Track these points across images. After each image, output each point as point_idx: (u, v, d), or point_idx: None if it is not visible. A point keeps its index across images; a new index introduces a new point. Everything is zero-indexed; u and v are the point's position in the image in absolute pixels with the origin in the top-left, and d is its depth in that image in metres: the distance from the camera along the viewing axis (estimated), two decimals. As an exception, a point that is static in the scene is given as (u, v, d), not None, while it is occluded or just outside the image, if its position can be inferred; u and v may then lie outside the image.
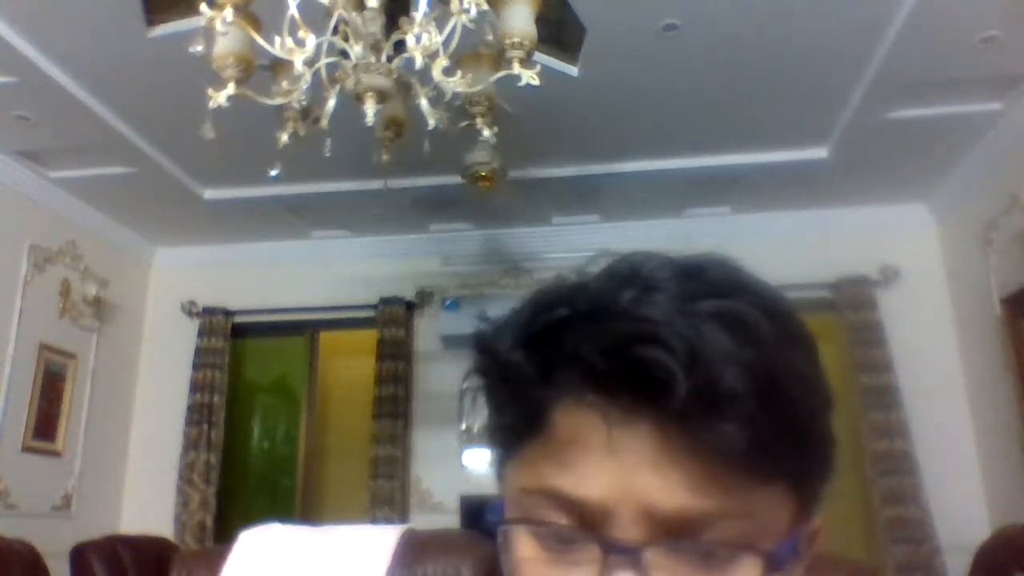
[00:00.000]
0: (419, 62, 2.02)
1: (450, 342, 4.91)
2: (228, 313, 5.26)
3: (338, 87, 2.17)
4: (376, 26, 2.05)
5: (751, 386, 0.39)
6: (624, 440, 0.41)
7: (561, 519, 0.42)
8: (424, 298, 5.21)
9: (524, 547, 0.44)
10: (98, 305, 4.77)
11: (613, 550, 0.40)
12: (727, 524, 0.41)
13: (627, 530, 0.41)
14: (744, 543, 0.41)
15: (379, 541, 2.22)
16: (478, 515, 4.49)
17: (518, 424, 0.45)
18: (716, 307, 0.41)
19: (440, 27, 2.02)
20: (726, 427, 0.39)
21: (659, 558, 0.40)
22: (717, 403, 0.39)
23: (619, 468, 0.41)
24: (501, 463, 0.49)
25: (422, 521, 4.39)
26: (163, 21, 3.09)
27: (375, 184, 4.26)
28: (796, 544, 0.44)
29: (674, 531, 0.40)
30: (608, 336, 0.40)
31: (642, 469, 0.40)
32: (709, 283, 0.43)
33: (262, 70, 2.15)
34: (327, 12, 2.09)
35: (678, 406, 0.39)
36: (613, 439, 0.41)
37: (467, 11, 1.99)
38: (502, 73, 2.10)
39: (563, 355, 0.42)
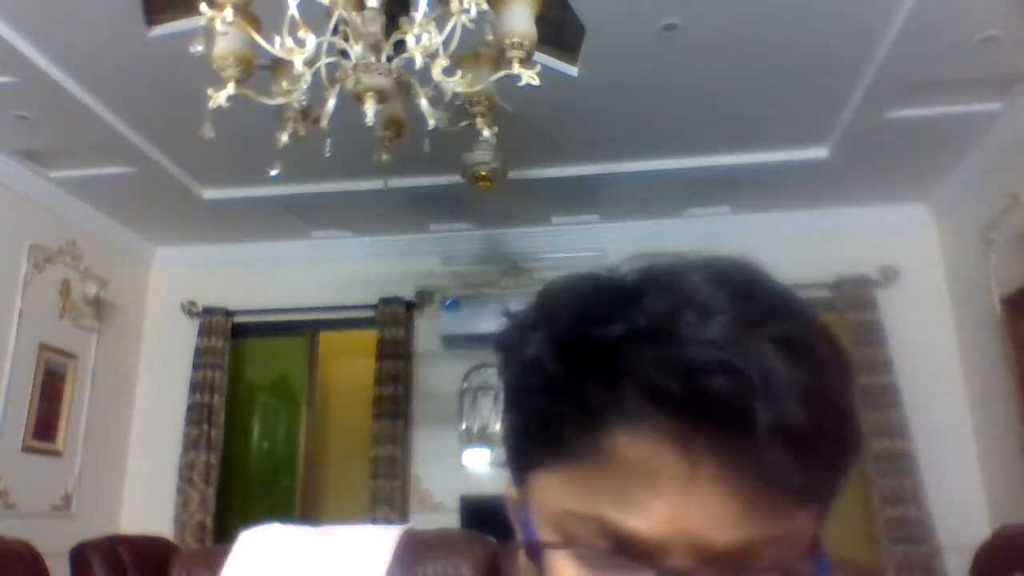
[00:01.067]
0: (419, 62, 2.02)
1: (450, 342, 4.92)
2: (228, 313, 5.26)
3: (338, 87, 2.17)
4: (376, 26, 2.05)
5: (816, 419, 0.39)
6: (696, 470, 0.40)
7: (609, 544, 0.41)
8: (424, 298, 5.21)
9: (568, 571, 0.43)
10: (98, 305, 4.77)
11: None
12: (773, 549, 0.41)
13: (680, 559, 0.40)
14: (786, 567, 0.41)
15: (379, 541, 2.22)
16: (480, 515, 4.49)
17: (562, 439, 0.43)
18: (778, 332, 0.40)
19: (440, 27, 2.02)
20: (789, 458, 0.39)
21: None
22: (786, 434, 0.39)
23: (685, 501, 0.40)
24: (523, 468, 0.48)
25: (422, 521, 4.39)
26: (163, 21, 3.09)
27: (375, 184, 4.26)
28: (827, 560, 0.45)
29: (724, 559, 0.40)
30: (680, 362, 0.39)
31: (705, 501, 0.40)
32: (765, 304, 0.42)
33: (262, 70, 2.15)
34: (327, 12, 2.09)
35: (753, 438, 0.38)
36: (691, 469, 0.40)
37: (467, 11, 1.99)
38: (502, 73, 2.10)
39: (627, 376, 0.41)
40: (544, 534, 0.44)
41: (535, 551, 0.44)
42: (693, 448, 0.39)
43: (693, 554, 0.40)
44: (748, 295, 0.42)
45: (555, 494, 0.44)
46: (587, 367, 0.42)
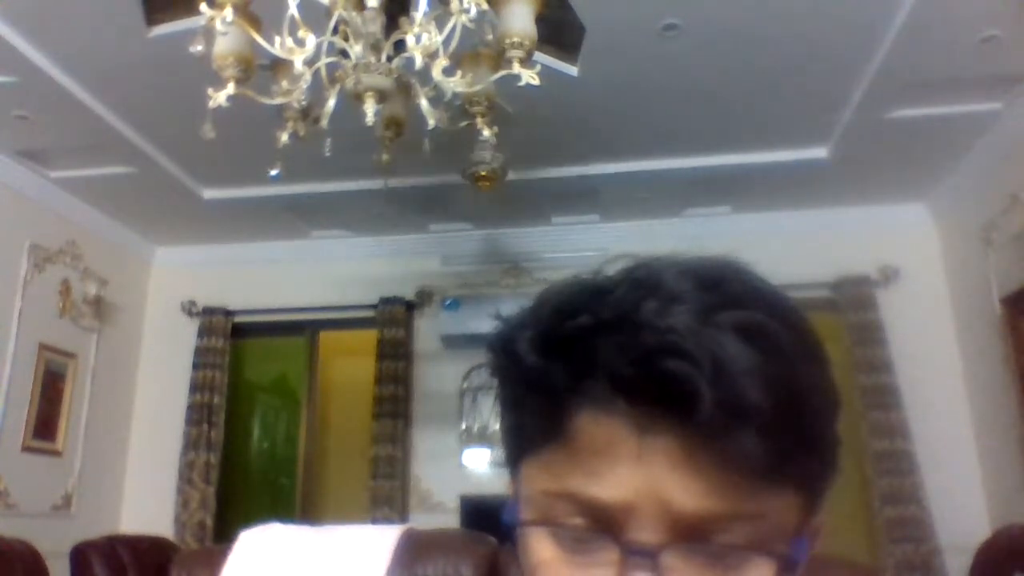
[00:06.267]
0: (419, 62, 2.02)
1: (450, 342, 4.91)
2: (228, 313, 5.26)
3: (338, 87, 2.17)
4: (376, 26, 2.05)
5: (772, 398, 0.41)
6: (651, 447, 0.42)
7: (580, 521, 0.43)
8: (424, 298, 5.21)
9: (543, 549, 0.45)
10: (98, 305, 4.77)
11: (632, 552, 0.41)
12: (741, 526, 0.42)
13: (645, 533, 0.42)
14: (757, 545, 0.42)
15: (379, 541, 2.22)
16: (480, 515, 4.49)
17: (538, 427, 0.46)
18: (737, 319, 0.42)
19: (440, 27, 2.02)
20: (746, 438, 0.40)
21: (676, 560, 0.41)
22: (739, 415, 0.40)
23: (644, 474, 0.42)
24: (514, 462, 0.50)
25: (422, 521, 4.38)
26: (163, 21, 3.08)
27: (375, 184, 4.26)
28: (807, 544, 0.46)
29: (690, 533, 0.41)
30: (635, 348, 0.41)
31: (665, 475, 0.41)
32: (729, 294, 0.43)
33: (262, 70, 2.15)
34: (327, 12, 2.09)
35: (702, 418, 0.40)
36: (642, 446, 0.42)
37: (467, 11, 1.99)
38: (502, 73, 2.10)
39: (589, 364, 0.43)
40: (524, 516, 0.46)
41: (511, 530, 0.47)
42: (647, 428, 0.41)
43: (658, 528, 0.42)
44: (713, 286, 0.44)
45: (533, 479, 0.47)
46: (556, 357, 0.44)
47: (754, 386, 0.40)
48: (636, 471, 0.42)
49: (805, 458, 0.44)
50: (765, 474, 0.42)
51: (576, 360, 0.44)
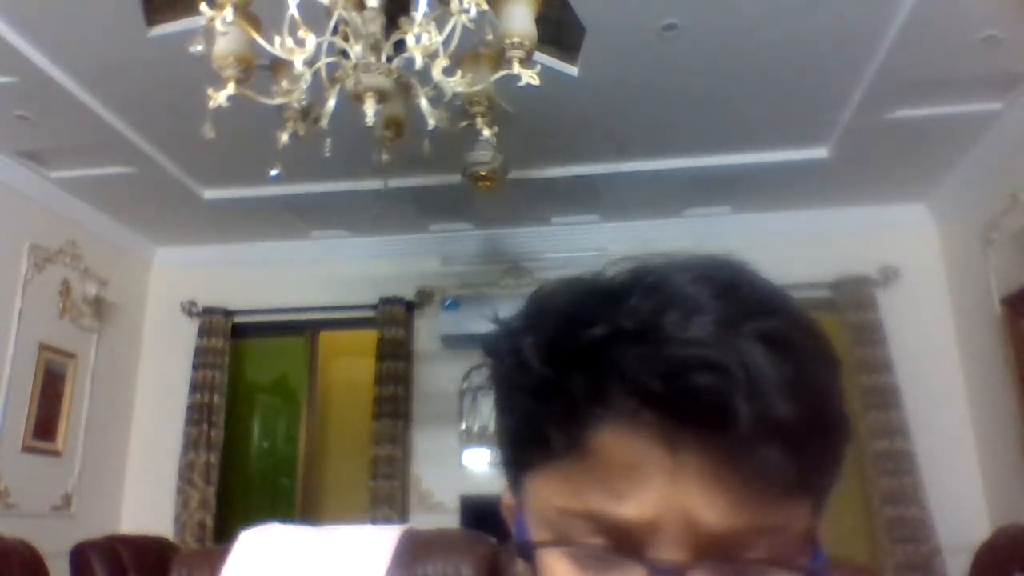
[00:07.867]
0: (419, 62, 2.02)
1: (450, 342, 4.92)
2: (228, 313, 5.26)
3: (338, 87, 2.17)
4: (376, 26, 2.06)
5: (802, 412, 0.40)
6: (682, 464, 0.40)
7: (601, 540, 0.42)
8: (424, 298, 5.21)
9: (561, 569, 0.43)
10: (98, 305, 4.77)
11: (659, 571, 0.40)
12: (764, 540, 0.41)
13: (671, 550, 0.41)
14: (780, 559, 0.41)
15: (379, 541, 2.22)
16: (480, 515, 4.49)
17: (549, 439, 0.44)
18: (761, 329, 0.41)
19: (440, 27, 2.02)
20: (775, 451, 0.40)
21: None
22: (772, 428, 0.39)
23: (674, 491, 0.40)
24: (517, 471, 0.48)
25: (422, 521, 4.39)
26: (163, 21, 3.08)
27: (375, 184, 4.26)
28: (825, 556, 0.45)
29: (716, 550, 0.41)
30: (663, 362, 0.40)
31: (694, 492, 0.40)
32: (747, 301, 0.42)
33: (262, 70, 2.15)
34: (327, 12, 2.09)
35: (736, 432, 0.39)
36: (675, 463, 0.40)
37: (467, 11, 1.99)
38: (502, 73, 2.10)
39: (611, 377, 0.41)
40: (537, 534, 0.45)
41: (527, 551, 0.45)
42: (678, 443, 0.40)
43: (683, 546, 0.40)
44: (732, 293, 0.42)
45: (547, 494, 0.45)
46: (573, 368, 0.42)
47: (786, 399, 0.39)
48: (665, 489, 0.40)
49: (828, 468, 0.43)
50: (790, 487, 0.41)
51: (595, 372, 0.42)
